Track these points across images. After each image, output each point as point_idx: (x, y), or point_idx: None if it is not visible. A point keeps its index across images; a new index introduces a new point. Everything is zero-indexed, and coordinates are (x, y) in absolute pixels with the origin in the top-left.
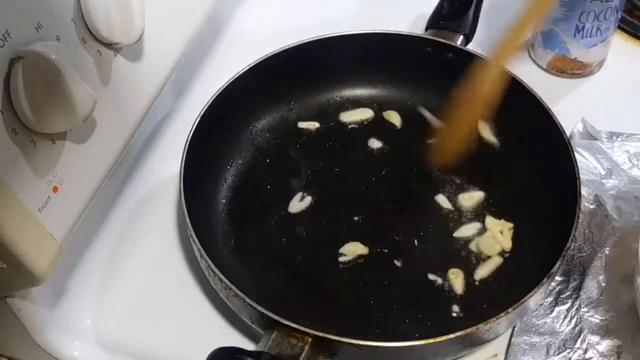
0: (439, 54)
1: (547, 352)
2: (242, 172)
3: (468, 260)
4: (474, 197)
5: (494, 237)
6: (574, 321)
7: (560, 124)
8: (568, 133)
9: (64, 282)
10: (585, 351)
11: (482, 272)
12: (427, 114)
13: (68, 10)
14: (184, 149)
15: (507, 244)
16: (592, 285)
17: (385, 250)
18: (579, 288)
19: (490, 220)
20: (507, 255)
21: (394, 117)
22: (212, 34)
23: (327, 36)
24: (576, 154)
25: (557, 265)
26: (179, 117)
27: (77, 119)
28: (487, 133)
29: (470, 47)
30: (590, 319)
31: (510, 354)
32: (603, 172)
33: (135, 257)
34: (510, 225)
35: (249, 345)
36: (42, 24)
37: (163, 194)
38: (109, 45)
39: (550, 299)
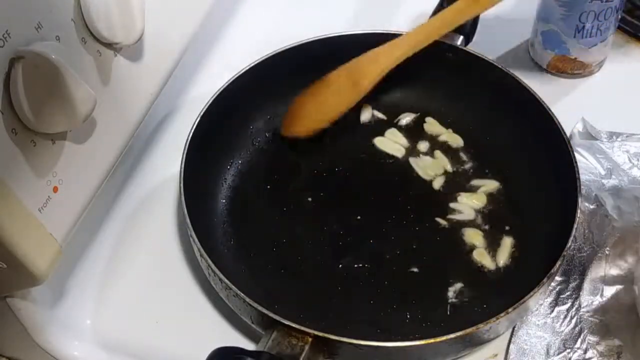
0: (439, 54)
1: (547, 352)
2: (242, 172)
3: (469, 260)
4: (476, 198)
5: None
6: (574, 321)
7: (560, 124)
8: (568, 133)
9: (64, 282)
10: (585, 351)
11: (483, 273)
12: (429, 119)
13: (68, 10)
14: (184, 149)
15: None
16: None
17: (386, 250)
18: (579, 288)
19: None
20: (507, 255)
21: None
22: (212, 34)
23: (327, 36)
24: (576, 154)
25: (557, 265)
26: (179, 117)
27: (77, 119)
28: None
29: (470, 47)
30: (590, 319)
31: (510, 354)
32: (603, 172)
33: (135, 257)
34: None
35: (249, 345)
36: (42, 24)
37: (163, 194)
38: (109, 45)
39: (550, 299)
